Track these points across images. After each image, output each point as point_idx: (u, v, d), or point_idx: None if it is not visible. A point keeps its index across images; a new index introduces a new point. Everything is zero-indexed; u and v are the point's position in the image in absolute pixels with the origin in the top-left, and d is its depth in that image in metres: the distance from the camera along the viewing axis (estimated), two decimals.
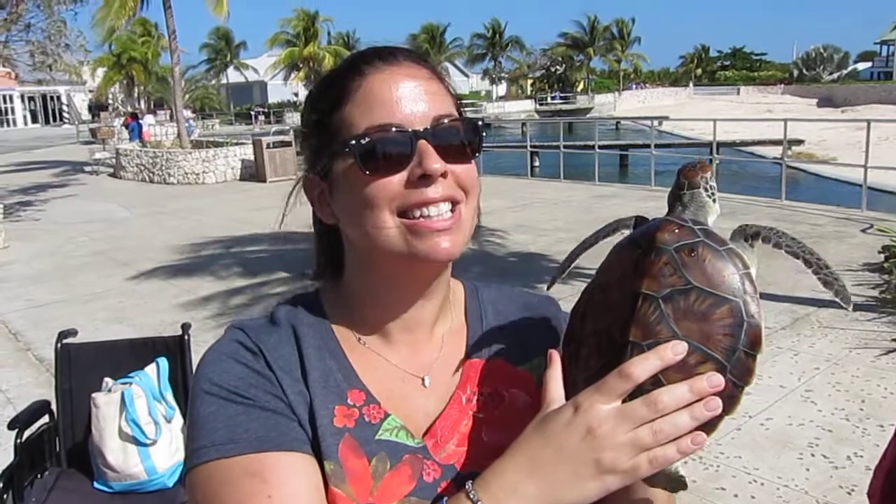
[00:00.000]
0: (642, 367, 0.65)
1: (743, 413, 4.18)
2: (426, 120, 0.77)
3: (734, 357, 0.67)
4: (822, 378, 4.66)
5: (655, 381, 0.65)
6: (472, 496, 0.67)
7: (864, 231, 8.97)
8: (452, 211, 0.78)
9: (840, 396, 4.37)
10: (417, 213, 0.77)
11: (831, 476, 3.49)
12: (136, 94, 42.56)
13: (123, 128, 28.79)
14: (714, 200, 0.77)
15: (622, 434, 0.64)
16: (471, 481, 0.68)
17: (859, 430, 3.93)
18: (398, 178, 0.76)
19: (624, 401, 0.65)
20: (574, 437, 0.65)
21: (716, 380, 0.65)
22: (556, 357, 0.73)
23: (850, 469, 3.54)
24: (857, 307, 5.98)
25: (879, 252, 7.22)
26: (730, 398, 0.66)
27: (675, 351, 0.65)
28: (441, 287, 0.86)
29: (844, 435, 3.86)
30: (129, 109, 36.01)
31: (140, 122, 26.04)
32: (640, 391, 0.65)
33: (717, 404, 0.64)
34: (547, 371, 0.72)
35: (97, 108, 50.02)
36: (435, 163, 0.76)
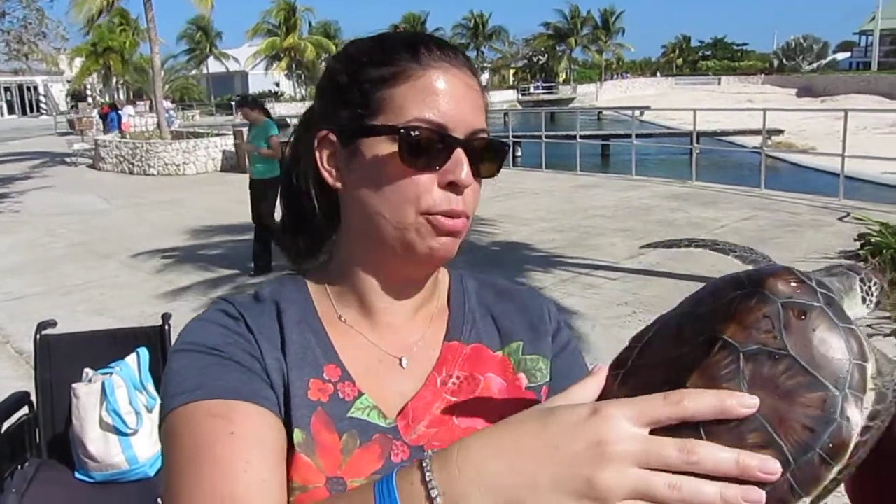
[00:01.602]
0: (697, 401, 0.53)
1: None
2: (466, 130, 0.79)
3: (805, 457, 0.52)
4: None
5: (696, 434, 0.53)
6: (424, 465, 0.56)
7: (841, 219, 9.09)
8: (461, 217, 0.80)
9: None
10: (437, 216, 0.78)
11: None
12: (114, 85, 42.14)
13: (100, 118, 28.53)
14: (866, 305, 0.65)
15: (633, 465, 0.51)
16: (431, 451, 0.66)
17: None
18: (429, 178, 0.77)
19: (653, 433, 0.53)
20: (578, 441, 0.52)
21: (771, 466, 0.51)
22: (603, 370, 0.61)
23: None
24: None
25: (855, 240, 7.33)
26: (779, 501, 0.52)
27: (742, 402, 0.53)
28: (428, 280, 0.88)
29: None
30: (107, 100, 35.68)
31: (119, 112, 25.80)
32: (675, 435, 0.52)
33: (758, 497, 0.51)
34: (586, 377, 0.61)
35: (75, 98, 49.49)
36: (467, 175, 0.77)
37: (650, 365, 0.60)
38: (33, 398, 2.95)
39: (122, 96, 41.91)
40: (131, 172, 18.55)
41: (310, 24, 59.85)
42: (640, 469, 0.51)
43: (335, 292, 0.86)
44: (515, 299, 0.94)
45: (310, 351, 0.81)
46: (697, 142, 13.78)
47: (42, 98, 56.24)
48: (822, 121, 24.31)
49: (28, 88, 56.02)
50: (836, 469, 0.53)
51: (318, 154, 0.83)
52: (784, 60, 74.11)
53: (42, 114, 52.73)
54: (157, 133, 19.91)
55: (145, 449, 2.79)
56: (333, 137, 0.82)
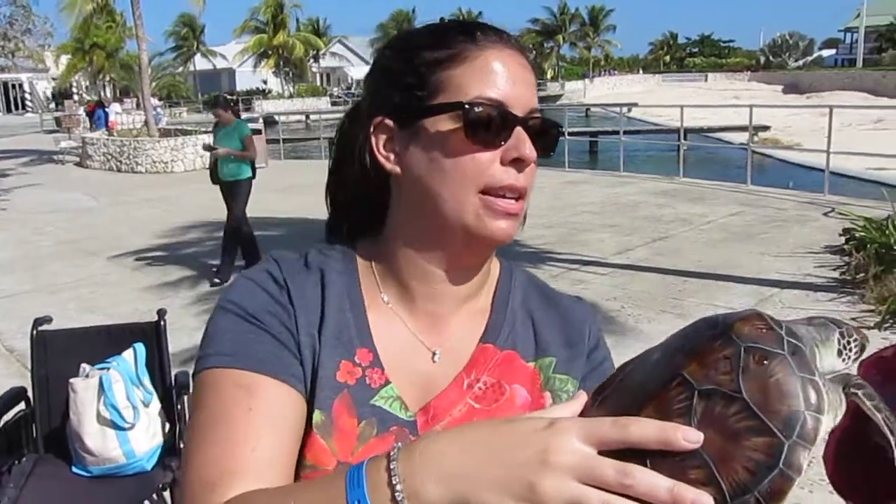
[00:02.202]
0: (642, 428, 0.55)
1: None
2: (525, 108, 0.80)
3: (741, 498, 0.54)
4: None
5: (641, 461, 0.55)
6: (391, 455, 0.60)
7: (826, 214, 9.18)
8: (517, 199, 0.81)
9: None
10: (498, 194, 0.79)
11: None
12: (100, 82, 41.86)
13: (87, 116, 28.34)
14: (842, 358, 0.64)
15: (573, 479, 0.54)
16: (400, 443, 0.64)
17: None
18: (490, 155, 0.78)
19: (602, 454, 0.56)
20: (528, 448, 0.56)
21: (704, 501, 0.53)
22: (583, 396, 0.65)
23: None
24: (819, 288, 6.16)
25: (840, 235, 7.42)
26: None
27: (686, 437, 0.54)
28: (481, 268, 0.87)
29: None
30: (94, 97, 35.43)
31: (106, 110, 25.65)
32: (624, 459, 0.55)
33: None
34: (569, 400, 0.66)
35: (61, 95, 49.10)
36: (531, 150, 0.79)
37: (623, 392, 0.62)
38: (30, 394, 2.98)
39: (108, 94, 41.61)
40: (119, 170, 18.46)
41: (297, 20, 59.70)
42: (579, 483, 0.54)
43: (381, 272, 0.87)
44: (560, 309, 0.93)
45: (346, 331, 0.82)
46: (685, 138, 13.87)
47: (27, 95, 55.78)
48: (807, 117, 24.51)
49: (13, 86, 55.52)
50: None
51: (374, 140, 0.83)
52: (770, 57, 74.54)
53: (27, 111, 52.31)
54: (145, 131, 19.81)
55: (142, 443, 2.82)
56: (390, 122, 0.82)
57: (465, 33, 0.81)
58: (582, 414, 0.63)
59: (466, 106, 0.77)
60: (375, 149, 0.83)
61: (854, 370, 0.64)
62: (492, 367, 0.85)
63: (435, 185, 0.79)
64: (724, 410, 0.55)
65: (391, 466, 0.59)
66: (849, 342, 0.65)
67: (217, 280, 7.24)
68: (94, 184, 16.30)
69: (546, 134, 0.82)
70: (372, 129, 0.83)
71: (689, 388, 0.57)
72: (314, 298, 0.82)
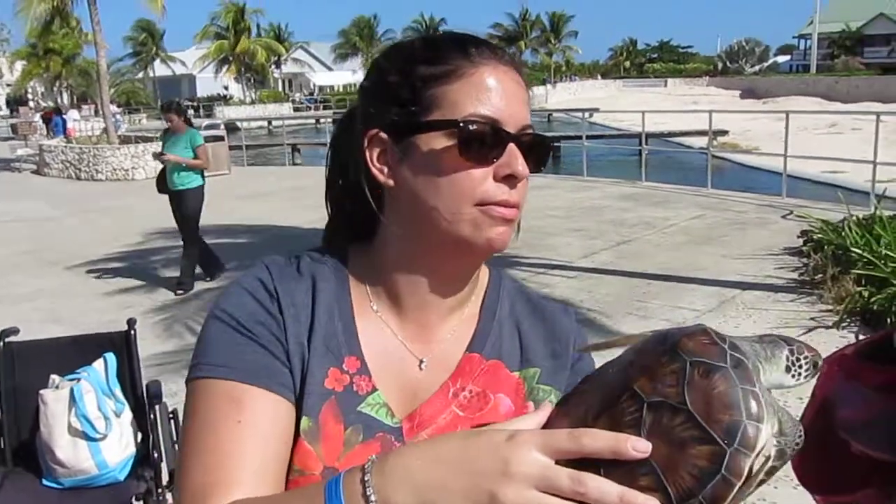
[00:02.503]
0: (593, 439, 0.60)
1: None
2: (518, 125, 0.81)
3: (687, 502, 0.59)
4: None
5: (595, 470, 0.60)
6: (366, 467, 0.65)
7: (784, 217, 9.41)
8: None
9: None
10: (493, 207, 0.80)
11: None
12: (57, 89, 41.11)
13: (44, 122, 27.80)
14: (791, 374, 0.68)
15: (531, 487, 0.59)
16: (375, 455, 0.68)
17: (781, 402, 4.16)
18: (483, 172, 0.79)
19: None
20: (490, 460, 0.61)
21: None
22: (548, 406, 0.70)
23: None
24: (779, 289, 6.31)
25: (798, 237, 7.61)
26: None
27: (634, 446, 0.59)
28: (472, 277, 0.89)
29: None
30: (50, 104, 34.77)
31: (64, 117, 25.19)
32: (579, 469, 0.60)
33: None
34: (534, 411, 0.71)
35: (16, 102, 48.05)
36: (524, 167, 0.80)
37: (581, 404, 0.67)
38: None
39: (65, 100, 40.88)
40: (78, 178, 18.12)
41: (258, 26, 59.27)
42: (537, 491, 0.59)
43: (371, 280, 0.88)
44: (547, 319, 0.95)
45: (334, 340, 0.84)
46: (646, 143, 14.10)
47: None
48: (764, 122, 25.06)
49: None
50: None
51: (368, 153, 0.84)
52: (728, 63, 76.06)
53: None
54: (104, 138, 19.48)
55: (115, 454, 2.79)
56: (384, 136, 0.83)
57: (460, 49, 0.82)
58: (547, 423, 0.68)
59: (461, 124, 0.79)
60: (369, 161, 0.84)
61: (809, 387, 0.68)
62: (477, 376, 0.87)
63: (430, 199, 0.81)
64: (671, 421, 0.60)
65: (365, 479, 0.64)
66: (798, 359, 0.68)
67: (180, 291, 7.15)
68: (54, 192, 15.98)
69: (538, 149, 0.84)
70: (366, 143, 0.85)
71: (639, 400, 0.62)
72: (304, 305, 0.84)
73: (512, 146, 0.80)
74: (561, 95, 61.98)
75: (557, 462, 0.60)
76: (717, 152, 16.48)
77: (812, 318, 5.49)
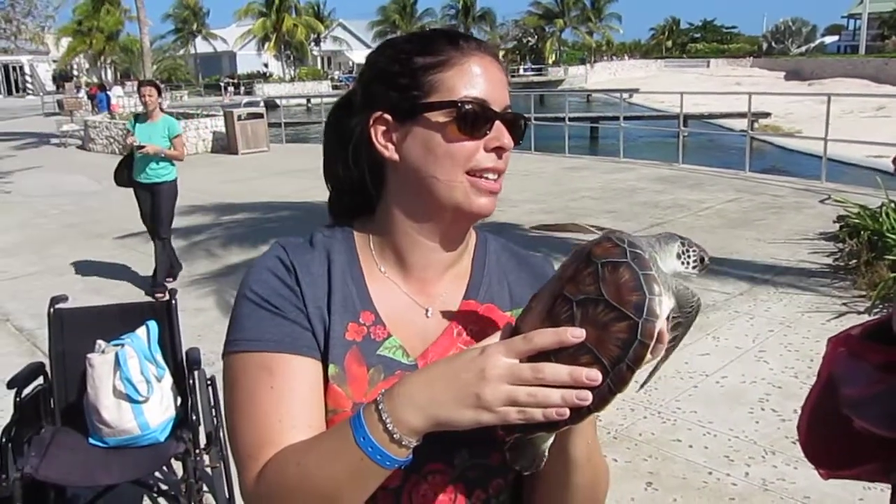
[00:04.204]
0: (541, 336, 0.78)
1: (700, 372, 4.43)
2: (501, 105, 0.96)
3: (617, 367, 0.76)
4: (775, 339, 4.93)
5: (548, 360, 0.77)
6: (379, 398, 0.81)
7: (822, 202, 9.27)
8: (496, 179, 0.98)
9: (790, 356, 4.64)
10: (481, 175, 0.95)
11: (778, 428, 3.75)
12: (100, 65, 41.79)
13: (89, 99, 28.34)
14: (682, 261, 0.84)
15: (504, 383, 0.76)
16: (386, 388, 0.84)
17: (806, 386, 4.13)
18: (476, 144, 0.94)
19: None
20: (469, 371, 0.78)
21: (593, 375, 0.76)
22: (507, 328, 0.86)
23: (795, 421, 3.77)
24: (812, 273, 6.28)
25: (834, 222, 7.51)
26: (601, 398, 0.77)
27: (572, 334, 0.77)
28: (464, 238, 1.04)
29: (792, 391, 4.13)
30: (94, 80, 35.38)
31: (108, 93, 25.66)
32: (536, 361, 0.78)
33: (586, 396, 0.76)
34: (497, 332, 0.86)
35: (61, 78, 49.02)
36: (508, 140, 0.96)
37: (532, 314, 0.84)
38: (47, 369, 3.11)
39: (109, 77, 41.57)
40: (122, 153, 18.48)
41: (297, 4, 59.43)
42: (509, 385, 0.77)
43: (377, 246, 1.03)
44: (531, 267, 1.11)
45: (350, 300, 0.98)
46: (685, 125, 13.94)
47: (28, 78, 55.68)
48: (808, 104, 24.49)
49: (13, 69, 55.39)
50: (636, 371, 0.77)
51: (372, 132, 0.98)
52: (773, 43, 74.26)
53: (28, 94, 52.22)
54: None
55: (156, 416, 2.95)
56: (388, 116, 0.97)
57: (451, 42, 0.97)
58: (513, 334, 0.83)
59: (459, 104, 0.93)
60: (374, 139, 0.98)
61: (695, 274, 0.85)
62: (476, 318, 1.02)
63: (429, 169, 0.95)
64: (595, 311, 0.78)
65: (380, 407, 0.81)
66: (686, 250, 0.85)
67: (170, 279, 6.85)
68: (97, 167, 16.31)
69: (516, 124, 0.99)
70: (371, 122, 0.98)
71: (569, 301, 0.80)
72: (321, 275, 0.98)
73: (499, 122, 0.96)
74: (600, 75, 61.31)
75: (522, 361, 0.78)
76: (758, 135, 16.24)
77: (844, 304, 5.47)
